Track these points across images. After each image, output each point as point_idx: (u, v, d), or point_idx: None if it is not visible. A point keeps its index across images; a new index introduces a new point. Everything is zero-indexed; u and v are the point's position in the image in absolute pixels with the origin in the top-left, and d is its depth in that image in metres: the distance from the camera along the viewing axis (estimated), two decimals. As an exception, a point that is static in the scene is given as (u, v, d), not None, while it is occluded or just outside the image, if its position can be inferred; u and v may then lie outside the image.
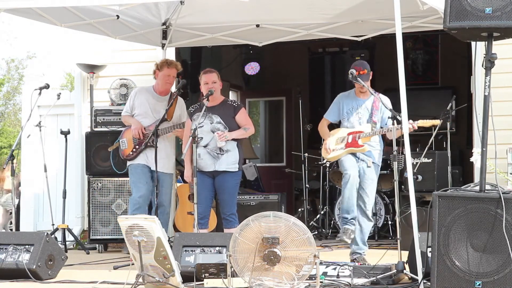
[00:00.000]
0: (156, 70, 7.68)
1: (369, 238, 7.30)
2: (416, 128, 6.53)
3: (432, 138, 8.15)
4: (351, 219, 6.82)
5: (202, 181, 6.92)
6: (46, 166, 8.19)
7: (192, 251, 5.82)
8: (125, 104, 7.96)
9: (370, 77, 6.89)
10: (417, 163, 7.96)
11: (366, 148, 6.87)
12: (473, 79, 7.29)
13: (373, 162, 6.90)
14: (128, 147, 7.64)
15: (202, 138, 6.96)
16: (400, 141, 6.14)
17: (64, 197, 8.25)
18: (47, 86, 7.94)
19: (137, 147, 7.59)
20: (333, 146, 7.03)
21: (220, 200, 7.20)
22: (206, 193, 7.05)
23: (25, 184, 9.61)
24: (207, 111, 7.04)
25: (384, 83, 11.13)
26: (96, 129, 8.56)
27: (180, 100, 7.75)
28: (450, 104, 8.24)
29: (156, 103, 7.67)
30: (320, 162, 9.82)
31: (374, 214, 8.84)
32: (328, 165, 9.57)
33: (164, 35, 8.73)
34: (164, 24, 8.64)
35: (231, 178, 7.08)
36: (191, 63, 11.34)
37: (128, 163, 7.68)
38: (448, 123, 8.13)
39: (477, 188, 4.87)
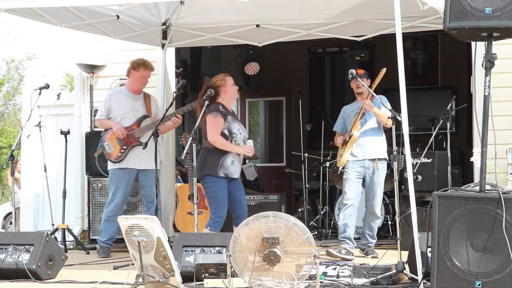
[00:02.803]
0: (131, 69, 7.73)
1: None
2: (369, 102, 6.98)
3: (432, 138, 8.15)
4: (345, 238, 7.11)
5: (226, 188, 6.96)
6: (46, 166, 8.19)
7: (192, 251, 5.82)
8: None
9: (368, 82, 7.17)
10: (417, 163, 7.95)
11: (356, 135, 7.10)
12: (473, 79, 7.29)
13: (379, 159, 7.14)
14: (115, 150, 7.67)
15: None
16: (400, 141, 6.14)
17: (64, 197, 8.24)
18: (47, 86, 7.94)
19: (124, 147, 7.64)
20: (340, 153, 7.30)
21: (239, 199, 7.10)
22: (227, 198, 7.07)
23: (25, 184, 9.60)
24: (233, 116, 7.11)
25: (384, 83, 11.09)
26: (96, 129, 8.56)
27: (153, 97, 7.93)
28: (450, 104, 8.23)
29: (133, 102, 7.77)
30: (319, 162, 9.83)
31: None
32: (328, 165, 9.57)
33: (164, 35, 8.73)
34: (164, 24, 8.64)
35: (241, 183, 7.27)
36: (191, 63, 11.34)
37: (114, 166, 7.70)
38: (448, 123, 8.13)
39: (477, 188, 4.87)
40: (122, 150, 7.63)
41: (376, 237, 7.33)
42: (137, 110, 7.73)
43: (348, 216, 7.11)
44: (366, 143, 7.16)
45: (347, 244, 7.06)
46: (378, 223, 7.31)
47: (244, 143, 7.06)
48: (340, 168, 8.20)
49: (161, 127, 7.57)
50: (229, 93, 7.09)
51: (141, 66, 7.71)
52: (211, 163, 6.87)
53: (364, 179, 7.19)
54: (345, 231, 7.09)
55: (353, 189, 7.13)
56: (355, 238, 7.25)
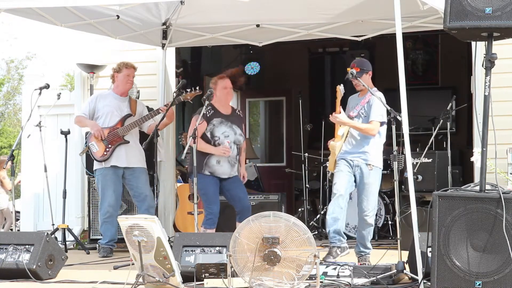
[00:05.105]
0: (114, 73, 7.87)
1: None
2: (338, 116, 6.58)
3: (432, 138, 8.15)
4: (335, 233, 6.55)
5: (216, 184, 7.26)
6: (46, 166, 8.19)
7: (192, 251, 5.82)
8: None
9: (368, 76, 6.69)
10: (417, 163, 7.95)
11: (332, 145, 6.75)
12: (473, 79, 7.29)
13: (367, 164, 6.61)
14: (100, 149, 7.71)
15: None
16: (400, 141, 6.14)
17: (64, 197, 8.24)
18: (47, 86, 7.95)
19: (109, 146, 7.69)
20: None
21: (238, 196, 7.36)
22: (218, 194, 7.34)
23: (25, 184, 9.60)
24: (226, 119, 7.25)
25: (384, 83, 11.07)
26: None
27: (138, 100, 8.14)
28: (450, 104, 8.24)
29: (120, 103, 7.84)
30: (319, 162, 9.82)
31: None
32: (328, 165, 9.55)
33: (164, 35, 8.73)
34: (164, 24, 8.64)
35: (240, 179, 7.49)
36: (191, 63, 11.34)
37: (98, 166, 7.74)
38: (448, 123, 8.13)
39: (477, 188, 4.87)
40: (107, 149, 7.68)
41: (369, 247, 6.69)
42: (122, 110, 7.81)
43: (339, 208, 6.51)
44: (355, 143, 6.71)
45: (338, 242, 6.57)
46: (369, 231, 6.65)
47: (236, 144, 7.28)
48: (329, 173, 7.95)
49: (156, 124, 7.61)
50: (219, 95, 7.28)
51: (122, 67, 7.83)
52: (197, 162, 7.04)
53: (355, 177, 6.68)
54: (335, 224, 6.51)
55: (343, 180, 6.58)
56: (351, 237, 7.01)
